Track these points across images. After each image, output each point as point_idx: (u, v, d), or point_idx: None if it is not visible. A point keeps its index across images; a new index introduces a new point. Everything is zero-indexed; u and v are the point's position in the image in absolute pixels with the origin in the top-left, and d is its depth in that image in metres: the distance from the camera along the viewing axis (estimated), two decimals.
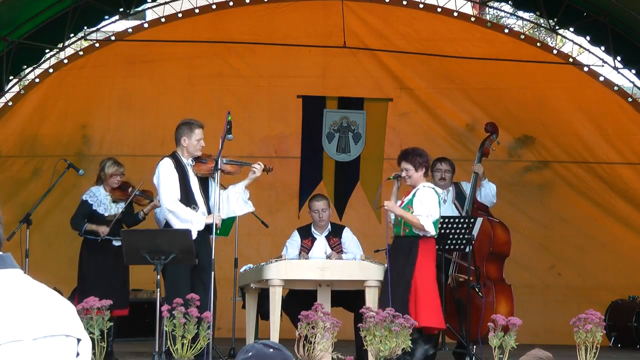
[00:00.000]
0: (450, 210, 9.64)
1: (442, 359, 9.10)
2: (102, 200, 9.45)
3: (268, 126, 13.06)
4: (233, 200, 8.57)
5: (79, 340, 2.22)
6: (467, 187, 9.88)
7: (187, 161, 8.52)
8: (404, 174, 8.41)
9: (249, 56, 12.97)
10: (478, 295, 9.21)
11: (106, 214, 9.40)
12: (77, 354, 2.21)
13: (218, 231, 8.53)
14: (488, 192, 9.84)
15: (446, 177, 9.80)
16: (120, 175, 9.50)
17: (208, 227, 8.41)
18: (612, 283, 12.46)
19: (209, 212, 8.51)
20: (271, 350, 2.83)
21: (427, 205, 8.32)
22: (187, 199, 8.46)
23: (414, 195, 8.39)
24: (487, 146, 10.08)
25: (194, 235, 8.24)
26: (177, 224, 8.36)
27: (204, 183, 8.57)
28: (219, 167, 8.38)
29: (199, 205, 8.48)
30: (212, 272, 8.19)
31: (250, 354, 2.82)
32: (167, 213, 8.44)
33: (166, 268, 8.28)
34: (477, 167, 9.82)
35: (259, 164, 8.48)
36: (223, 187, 8.65)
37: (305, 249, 9.57)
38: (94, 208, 9.44)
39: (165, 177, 8.47)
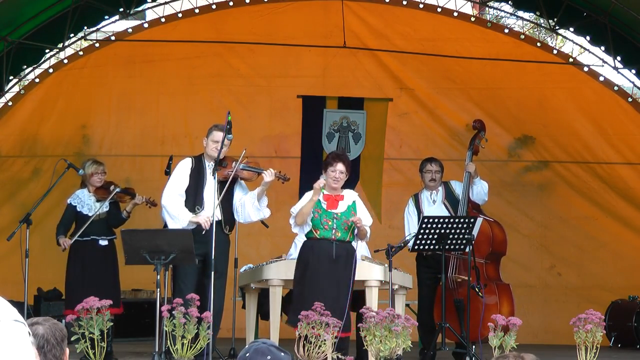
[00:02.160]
0: (440, 210, 9.62)
1: (442, 359, 9.10)
2: (85, 201, 9.47)
3: (268, 126, 13.06)
4: (248, 206, 8.64)
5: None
6: (455, 185, 9.85)
7: (209, 164, 8.60)
8: (337, 175, 8.28)
9: (249, 56, 12.97)
10: (478, 296, 9.20)
11: (90, 214, 9.41)
12: None
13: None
14: (480, 190, 9.81)
15: (436, 178, 9.78)
16: (101, 174, 9.51)
17: (221, 228, 8.53)
18: (612, 283, 12.45)
19: (227, 216, 8.58)
20: (282, 354, 2.88)
21: (369, 214, 8.47)
22: (194, 199, 8.59)
23: (354, 203, 8.35)
24: (476, 144, 10.05)
25: (184, 225, 8.37)
26: (167, 219, 8.60)
27: (230, 187, 8.61)
28: (235, 171, 8.46)
29: (204, 208, 8.53)
30: (213, 273, 8.20)
31: (268, 357, 2.85)
32: (162, 207, 8.70)
33: (175, 268, 8.42)
34: (469, 165, 9.80)
35: (270, 171, 8.48)
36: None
37: None
38: (78, 209, 9.48)
39: (174, 174, 8.72)
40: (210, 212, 8.39)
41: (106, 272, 9.38)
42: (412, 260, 9.83)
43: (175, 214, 8.48)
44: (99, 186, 9.52)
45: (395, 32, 13.03)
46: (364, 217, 8.33)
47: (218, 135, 8.55)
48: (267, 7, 13.04)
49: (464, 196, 9.66)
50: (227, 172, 8.52)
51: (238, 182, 8.70)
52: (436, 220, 8.88)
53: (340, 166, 8.25)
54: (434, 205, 9.72)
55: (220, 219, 8.55)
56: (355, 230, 8.31)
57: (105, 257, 9.42)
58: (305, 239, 9.60)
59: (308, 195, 8.36)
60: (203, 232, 8.35)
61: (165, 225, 8.80)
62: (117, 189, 9.46)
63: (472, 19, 13.46)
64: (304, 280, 8.17)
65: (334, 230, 8.22)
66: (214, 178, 8.35)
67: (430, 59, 12.71)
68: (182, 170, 8.66)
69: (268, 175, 8.45)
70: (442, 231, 8.79)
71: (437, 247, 8.87)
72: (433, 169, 9.80)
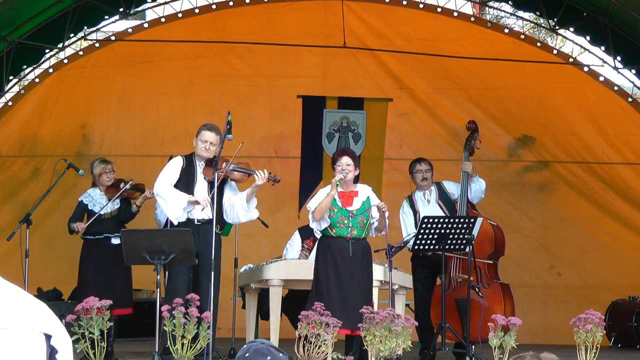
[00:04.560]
0: (436, 210, 9.63)
1: (442, 358, 9.09)
2: (97, 200, 9.46)
3: (268, 126, 13.06)
4: (237, 207, 8.60)
5: (48, 336, 2.18)
6: (448, 185, 9.85)
7: (199, 163, 8.58)
8: (343, 166, 8.23)
9: (249, 56, 12.98)
10: (478, 296, 9.20)
11: (102, 213, 9.42)
12: (53, 351, 2.18)
13: (217, 226, 8.52)
14: (478, 188, 9.81)
15: (427, 177, 9.80)
16: (110, 172, 9.50)
17: (214, 228, 8.50)
18: (612, 283, 12.46)
19: (217, 216, 8.57)
20: (281, 355, 2.92)
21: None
22: None
23: (368, 198, 8.34)
24: (472, 144, 10.06)
25: (180, 216, 8.37)
26: (164, 205, 8.52)
27: (219, 188, 8.59)
28: (225, 172, 8.44)
29: (195, 208, 8.53)
30: (212, 272, 8.20)
31: (268, 357, 2.88)
32: (156, 197, 8.66)
33: (167, 268, 8.38)
34: (466, 165, 9.80)
35: (262, 173, 8.44)
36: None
37: (307, 250, 9.57)
38: (90, 208, 9.47)
39: (165, 169, 8.68)
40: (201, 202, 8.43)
41: (118, 272, 9.35)
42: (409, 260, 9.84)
43: (172, 197, 8.43)
44: (110, 185, 9.51)
45: (395, 32, 13.03)
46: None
47: (207, 134, 8.54)
48: (267, 7, 13.04)
49: (464, 196, 9.67)
50: (219, 172, 8.51)
51: (228, 183, 8.65)
52: (436, 220, 8.88)
53: (345, 159, 8.28)
54: (429, 205, 9.73)
55: (210, 218, 8.54)
56: (374, 225, 8.32)
57: (117, 257, 9.39)
58: (299, 239, 9.64)
59: (323, 190, 8.36)
60: (199, 221, 8.38)
61: (165, 225, 8.79)
62: (127, 187, 9.46)
63: (472, 19, 13.46)
64: (327, 279, 8.15)
65: (349, 229, 8.23)
66: (215, 178, 8.33)
67: (430, 59, 12.71)
68: (173, 166, 8.64)
69: (260, 178, 8.41)
70: (442, 231, 8.79)
71: (437, 247, 8.87)
72: (423, 168, 9.83)
